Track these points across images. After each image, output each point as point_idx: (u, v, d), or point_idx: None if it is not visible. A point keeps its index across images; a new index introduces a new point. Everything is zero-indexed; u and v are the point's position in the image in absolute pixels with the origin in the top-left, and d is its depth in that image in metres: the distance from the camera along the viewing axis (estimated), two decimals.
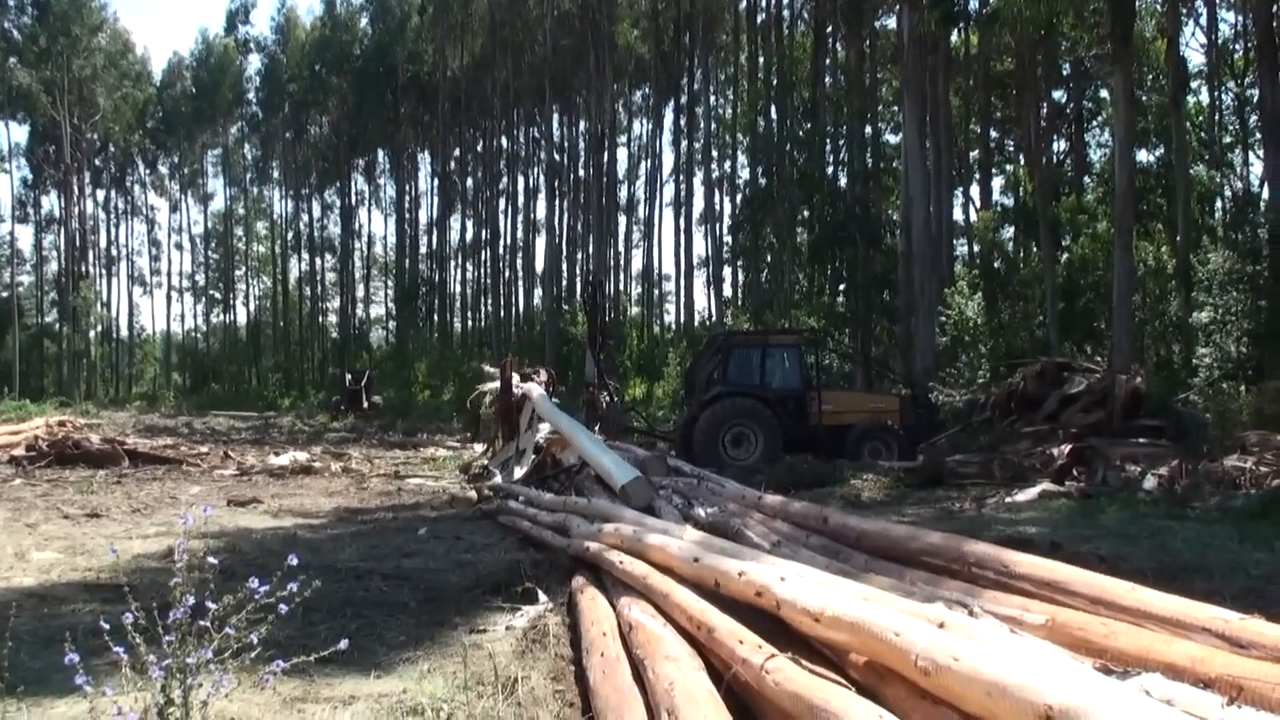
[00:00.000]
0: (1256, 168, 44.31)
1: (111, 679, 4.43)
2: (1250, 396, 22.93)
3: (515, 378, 20.54)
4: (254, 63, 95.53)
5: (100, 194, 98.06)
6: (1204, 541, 10.21)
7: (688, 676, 4.24)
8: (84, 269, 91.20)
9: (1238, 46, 48.06)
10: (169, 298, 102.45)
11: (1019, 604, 4.56)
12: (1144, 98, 44.51)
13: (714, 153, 67.43)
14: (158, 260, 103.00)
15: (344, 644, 4.56)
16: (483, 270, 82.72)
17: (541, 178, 76.59)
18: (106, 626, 4.13)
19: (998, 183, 55.15)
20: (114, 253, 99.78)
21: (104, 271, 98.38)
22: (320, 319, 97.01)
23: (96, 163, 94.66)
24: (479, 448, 25.00)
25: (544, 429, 17.25)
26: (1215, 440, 18.10)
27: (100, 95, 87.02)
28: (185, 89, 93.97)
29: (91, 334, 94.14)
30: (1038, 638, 4.03)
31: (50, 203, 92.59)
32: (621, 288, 74.32)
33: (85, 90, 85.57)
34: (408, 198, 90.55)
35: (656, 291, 79.09)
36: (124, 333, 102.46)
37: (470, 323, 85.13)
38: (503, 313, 77.76)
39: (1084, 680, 2.88)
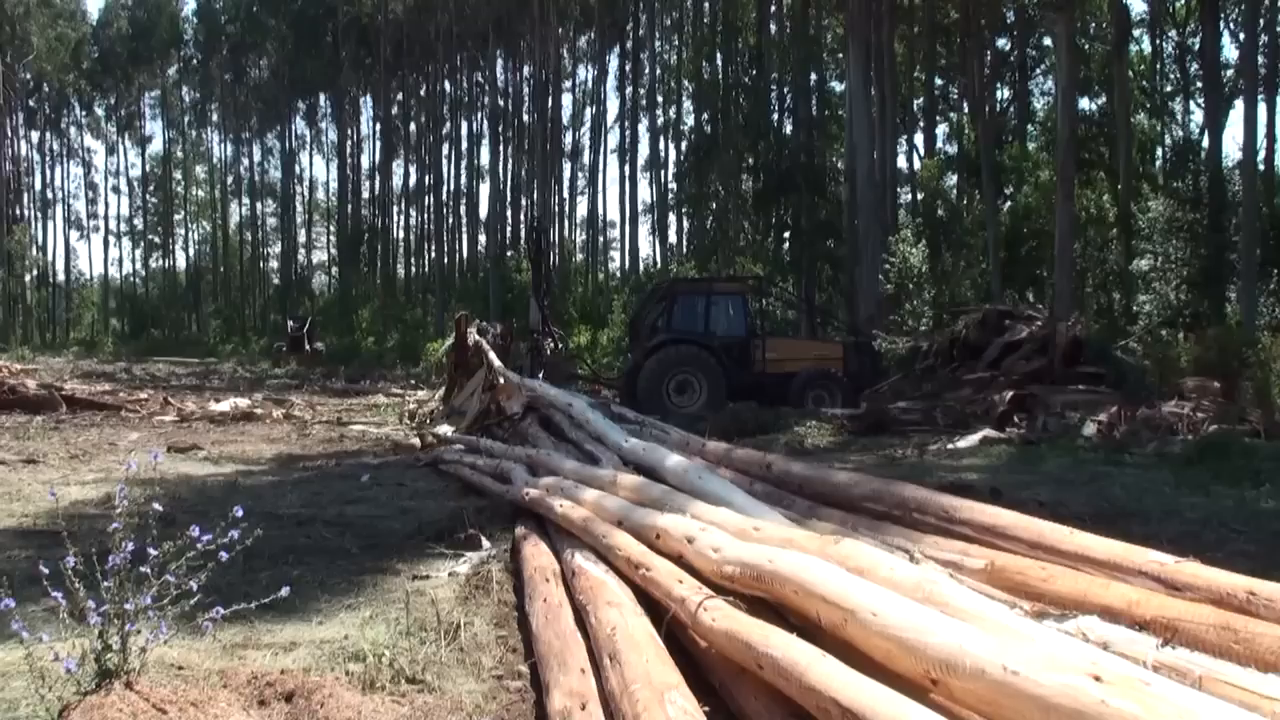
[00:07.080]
0: (1197, 116, 44.78)
1: (48, 625, 4.39)
2: (1189, 343, 23.22)
3: (471, 331, 20.47)
4: (191, 3, 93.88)
5: (34, 135, 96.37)
6: (1141, 486, 10.38)
7: (629, 621, 4.26)
8: (18, 212, 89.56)
9: None
10: (106, 242, 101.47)
11: (959, 548, 4.58)
12: (1086, 46, 44.67)
13: (659, 99, 67.30)
14: (95, 204, 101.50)
15: (285, 591, 4.54)
16: (426, 216, 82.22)
17: (485, 123, 76.06)
18: (45, 572, 4.09)
19: (942, 131, 55.38)
20: (49, 196, 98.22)
21: (39, 215, 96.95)
22: (262, 265, 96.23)
23: (30, 103, 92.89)
24: (423, 394, 24.91)
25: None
26: (1154, 387, 18.33)
27: (33, 33, 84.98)
28: (121, 29, 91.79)
29: (27, 278, 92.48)
30: (978, 581, 4.06)
31: None
32: (566, 234, 74.08)
33: (18, 28, 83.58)
34: (350, 142, 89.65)
35: (601, 238, 79.04)
36: (60, 277, 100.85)
37: (414, 269, 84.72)
38: (446, 259, 77.34)
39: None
